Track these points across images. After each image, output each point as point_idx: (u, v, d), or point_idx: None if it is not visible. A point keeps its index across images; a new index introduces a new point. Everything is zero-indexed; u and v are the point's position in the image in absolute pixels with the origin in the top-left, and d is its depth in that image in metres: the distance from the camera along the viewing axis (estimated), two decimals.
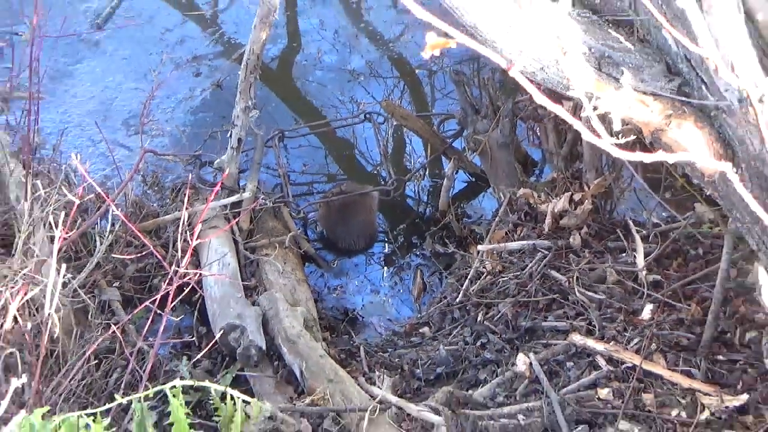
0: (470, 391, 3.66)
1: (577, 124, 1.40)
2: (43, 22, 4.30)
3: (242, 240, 4.56)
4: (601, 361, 3.67)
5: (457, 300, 4.45)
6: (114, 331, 3.48)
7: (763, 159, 2.12)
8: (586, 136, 1.43)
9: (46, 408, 2.49)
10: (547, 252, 4.43)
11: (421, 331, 4.41)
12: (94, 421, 2.45)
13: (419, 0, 1.32)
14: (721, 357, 3.59)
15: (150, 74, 5.58)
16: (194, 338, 4.10)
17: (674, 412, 3.36)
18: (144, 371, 3.02)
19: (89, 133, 5.26)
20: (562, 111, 1.39)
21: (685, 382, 3.46)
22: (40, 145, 4.65)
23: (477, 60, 5.29)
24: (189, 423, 2.66)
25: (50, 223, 3.52)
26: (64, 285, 3.34)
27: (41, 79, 4.33)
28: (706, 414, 3.31)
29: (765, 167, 2.14)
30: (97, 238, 4.06)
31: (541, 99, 1.43)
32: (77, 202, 3.28)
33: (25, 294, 3.09)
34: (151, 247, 3.68)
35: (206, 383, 2.71)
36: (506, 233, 4.69)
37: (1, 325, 3.10)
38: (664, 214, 4.51)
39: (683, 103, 2.37)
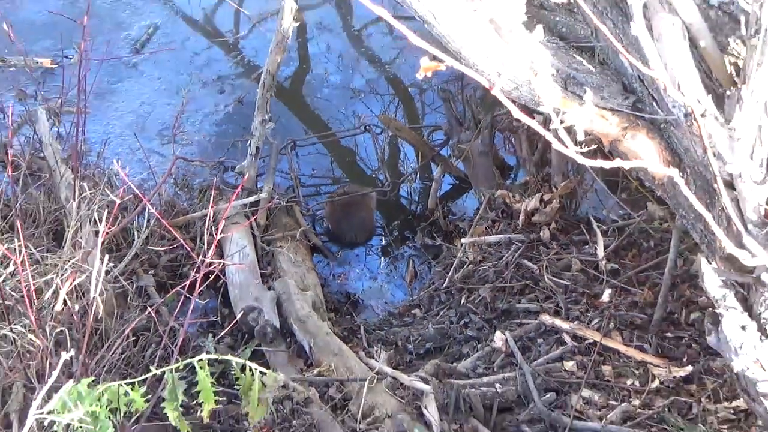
0: (454, 364, 3.67)
1: (546, 135, 1.42)
2: (89, 47, 4.29)
3: (259, 234, 4.56)
4: (567, 338, 3.67)
5: (444, 285, 4.45)
6: (149, 312, 3.48)
7: (705, 165, 2.13)
8: (555, 145, 1.45)
9: (91, 378, 2.49)
10: (520, 244, 4.42)
11: (412, 312, 4.41)
12: (132, 389, 2.46)
13: (412, 28, 1.34)
14: (669, 334, 3.59)
15: (180, 92, 5.56)
16: (218, 318, 4.11)
17: (629, 382, 3.37)
18: (175, 346, 3.02)
19: (128, 142, 5.26)
20: (534, 124, 1.41)
21: (639, 356, 3.47)
22: (87, 152, 4.64)
23: (461, 80, 5.29)
24: (213, 391, 2.67)
25: (95, 220, 3.54)
26: (107, 273, 3.34)
27: (87, 96, 4.33)
28: (656, 383, 3.32)
29: (707, 172, 2.15)
30: (135, 233, 4.06)
31: (517, 113, 1.45)
32: (118, 201, 3.28)
33: (74, 280, 3.09)
34: (182, 240, 3.67)
35: (228, 357, 2.71)
36: (486, 228, 4.69)
37: (53, 307, 3.11)
38: (620, 211, 4.51)
39: (637, 117, 2.38)
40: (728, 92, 2.01)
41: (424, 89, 6.02)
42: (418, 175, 5.58)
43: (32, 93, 5.42)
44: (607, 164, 1.53)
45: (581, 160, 1.46)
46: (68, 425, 2.41)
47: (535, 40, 1.98)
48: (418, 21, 2.25)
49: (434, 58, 1.33)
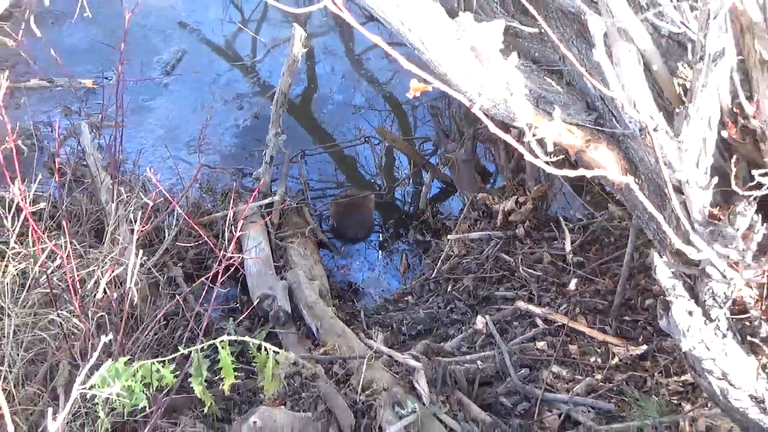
0: (442, 344, 3.67)
1: (519, 148, 1.43)
2: (126, 69, 4.30)
3: (273, 231, 4.55)
4: (539, 321, 3.69)
5: (433, 276, 4.46)
6: (178, 300, 3.49)
7: (657, 173, 2.14)
8: (527, 156, 1.46)
9: (128, 357, 2.50)
10: (499, 240, 4.44)
11: (405, 298, 4.42)
12: (163, 366, 2.46)
13: (404, 53, 1.35)
14: (627, 318, 3.61)
15: (205, 108, 5.58)
16: (238, 304, 4.10)
17: (592, 359, 3.38)
18: (200, 329, 3.03)
19: (160, 152, 5.25)
20: (508, 138, 1.42)
21: (600, 337, 3.48)
22: (123, 161, 4.63)
23: (447, 98, 5.29)
24: (233, 367, 2.67)
25: (131, 219, 3.54)
26: (141, 265, 3.35)
27: (124, 112, 4.33)
28: (615, 360, 3.33)
29: (659, 179, 2.15)
30: (166, 230, 4.07)
31: (493, 129, 1.46)
32: (151, 203, 3.28)
33: (112, 272, 3.09)
34: (206, 237, 3.68)
35: (246, 338, 2.71)
36: (469, 226, 4.70)
37: (95, 295, 3.12)
38: (585, 212, 4.52)
39: (599, 131, 2.39)
40: (677, 110, 2.02)
41: (416, 106, 6.02)
42: (410, 180, 5.58)
43: (76, 110, 5.42)
44: (572, 173, 1.53)
45: (550, 169, 1.47)
46: (107, 398, 2.42)
47: (510, 65, 2.00)
48: (410, 47, 2.26)
49: (422, 80, 1.34)
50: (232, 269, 3.40)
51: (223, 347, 2.58)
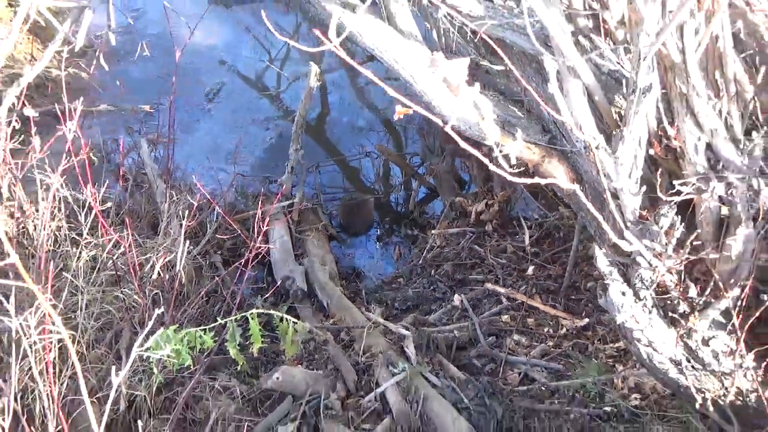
0: (426, 317, 3.67)
1: (486, 162, 1.42)
2: (176, 97, 4.29)
3: (293, 227, 4.54)
4: (503, 299, 3.67)
5: (419, 262, 4.44)
6: (217, 280, 3.49)
7: (598, 182, 2.14)
8: (494, 168, 1.45)
9: (176, 326, 2.49)
10: (472, 234, 4.42)
11: (398, 280, 4.40)
12: (204, 333, 2.46)
13: (395, 86, 1.34)
14: (573, 297, 3.59)
15: (239, 128, 5.55)
16: (264, 284, 4.10)
17: (545, 329, 3.37)
18: (234, 304, 3.03)
19: (203, 163, 5.22)
20: (477, 153, 1.41)
21: (552, 312, 3.47)
22: (174, 170, 4.63)
23: (431, 122, 5.27)
24: (261, 334, 2.67)
25: (180, 216, 3.53)
26: (188, 252, 3.33)
27: (175, 131, 4.33)
28: (563, 330, 3.33)
29: (599, 187, 2.15)
30: (208, 225, 4.05)
31: (464, 145, 1.46)
32: (195, 204, 3.28)
33: (165, 258, 3.08)
34: (239, 230, 3.68)
35: (271, 311, 2.71)
36: (448, 223, 4.69)
37: (151, 276, 3.10)
38: (540, 212, 4.52)
39: (552, 149, 2.39)
40: (614, 132, 2.02)
41: (406, 128, 6.00)
42: (402, 187, 5.57)
43: (137, 129, 5.38)
44: (531, 181, 1.53)
45: (512, 178, 1.47)
46: (160, 359, 2.41)
47: (474, 92, 1.97)
48: (402, 81, 2.25)
49: (405, 105, 1.34)
50: (260, 256, 3.41)
51: (252, 318, 2.57)
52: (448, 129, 1.31)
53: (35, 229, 3.07)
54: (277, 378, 2.78)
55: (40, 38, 5.39)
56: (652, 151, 2.13)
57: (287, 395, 2.82)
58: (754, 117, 2.10)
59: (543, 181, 1.60)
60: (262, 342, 2.66)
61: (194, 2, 6.32)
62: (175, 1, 4.59)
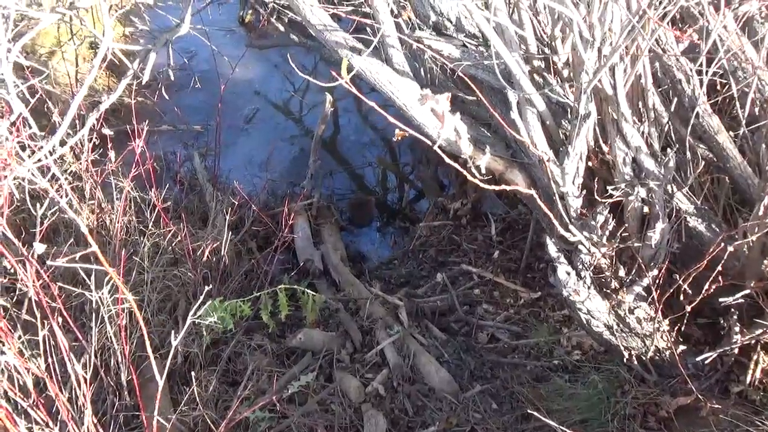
0: (416, 290, 3.66)
1: (462, 170, 1.43)
2: (221, 119, 4.28)
3: (312, 221, 4.51)
4: (475, 277, 3.65)
5: (410, 248, 4.41)
6: (253, 262, 3.47)
7: (549, 187, 2.14)
8: (469, 176, 1.45)
9: (221, 298, 2.50)
10: (451, 227, 4.38)
11: (393, 262, 4.37)
12: (243, 303, 2.47)
13: (392, 113, 1.34)
14: (529, 275, 3.54)
15: (270, 144, 5.51)
16: (290, 266, 4.06)
17: (508, 300, 3.36)
18: (267, 281, 3.02)
19: (242, 171, 5.19)
20: (456, 165, 1.42)
21: (513, 287, 3.44)
22: (220, 176, 4.60)
23: (420, 141, 5.22)
24: (287, 304, 2.68)
25: (224, 212, 3.52)
26: (230, 240, 3.32)
27: (220, 146, 4.32)
28: (522, 301, 3.32)
29: (550, 191, 2.16)
30: (246, 219, 4.02)
31: (447, 159, 1.46)
32: (236, 203, 3.28)
33: (213, 244, 3.08)
34: (270, 224, 3.66)
35: (296, 286, 2.72)
36: (432, 218, 4.65)
37: (202, 259, 3.09)
38: (504, 209, 4.49)
39: (514, 161, 2.39)
40: (561, 149, 2.02)
41: (400, 145, 5.97)
42: (396, 189, 5.55)
43: (191, 144, 5.34)
44: (497, 188, 1.54)
45: (483, 184, 1.47)
46: (209, 324, 2.41)
47: (456, 119, 1.98)
48: (397, 108, 2.25)
49: (402, 129, 1.35)
50: (287, 244, 3.40)
51: (280, 292, 2.58)
52: (435, 148, 1.32)
53: (111, 222, 3.06)
54: (300, 338, 2.79)
55: (115, 73, 5.36)
56: (590, 164, 2.13)
57: (308, 351, 2.83)
58: (668, 137, 2.11)
59: (507, 188, 1.61)
60: (288, 310, 2.68)
61: (235, 47, 6.29)
62: (221, 45, 4.57)
